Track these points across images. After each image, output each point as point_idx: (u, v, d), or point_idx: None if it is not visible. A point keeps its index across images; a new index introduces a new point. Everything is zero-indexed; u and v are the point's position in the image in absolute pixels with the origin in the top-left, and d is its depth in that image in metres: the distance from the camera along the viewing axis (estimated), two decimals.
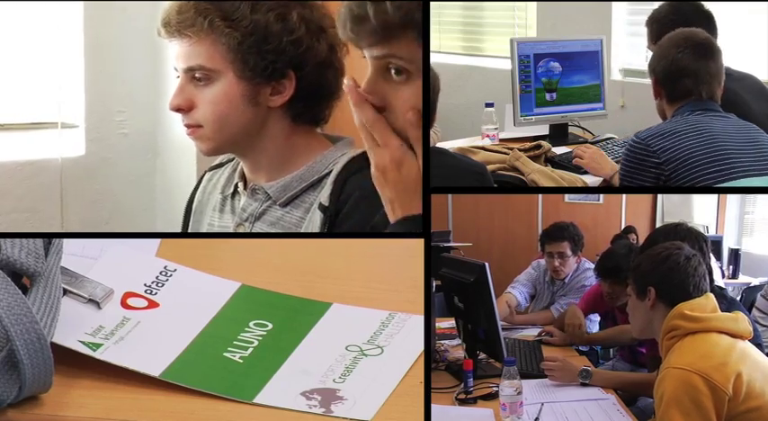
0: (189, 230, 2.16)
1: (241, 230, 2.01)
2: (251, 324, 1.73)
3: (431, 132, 3.35)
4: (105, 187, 3.74)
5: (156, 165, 3.85)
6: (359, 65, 1.67)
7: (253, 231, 2.00)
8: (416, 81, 1.59)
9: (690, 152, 2.36)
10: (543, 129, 3.65)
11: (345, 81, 1.61)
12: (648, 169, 2.39)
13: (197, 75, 1.91)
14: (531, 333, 3.47)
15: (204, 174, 2.21)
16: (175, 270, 1.82)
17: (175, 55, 1.93)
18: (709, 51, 2.49)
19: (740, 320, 2.03)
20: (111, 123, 3.73)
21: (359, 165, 1.91)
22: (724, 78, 2.53)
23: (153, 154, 3.83)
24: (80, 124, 3.66)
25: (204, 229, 2.12)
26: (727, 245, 5.72)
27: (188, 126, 1.95)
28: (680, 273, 2.06)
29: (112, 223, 3.79)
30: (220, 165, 2.17)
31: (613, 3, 4.48)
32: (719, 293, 2.57)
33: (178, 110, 1.93)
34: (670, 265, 2.08)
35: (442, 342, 3.05)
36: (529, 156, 3.14)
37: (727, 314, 2.05)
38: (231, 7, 1.88)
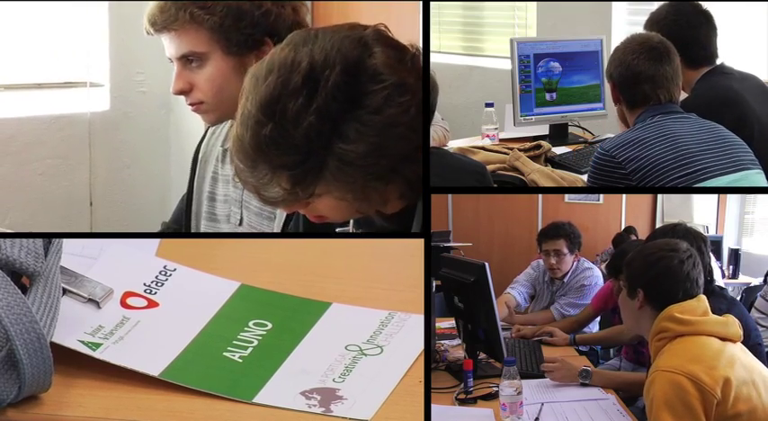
0: (196, 177, 2.38)
1: None
2: (250, 323, 1.73)
3: (439, 130, 3.37)
4: (126, 138, 4.31)
5: (169, 120, 4.41)
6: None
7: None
8: None
9: (656, 159, 2.33)
10: (543, 129, 3.65)
11: None
12: (618, 181, 2.37)
13: (190, 59, 2.12)
14: None
15: (208, 129, 2.44)
16: (175, 269, 1.82)
17: (167, 47, 2.14)
18: (664, 55, 2.48)
19: (730, 324, 2.01)
20: (131, 83, 4.31)
21: None
22: (681, 79, 2.53)
23: (167, 110, 4.38)
24: (105, 84, 4.23)
25: (209, 176, 2.35)
26: (727, 245, 5.72)
27: (192, 104, 2.17)
28: (670, 278, 2.04)
29: (132, 168, 4.38)
30: None
31: (613, 3, 4.46)
32: (720, 293, 2.57)
33: (181, 93, 2.15)
34: (660, 270, 2.05)
35: (442, 342, 3.04)
36: (529, 156, 3.13)
37: (717, 317, 2.03)
38: None
